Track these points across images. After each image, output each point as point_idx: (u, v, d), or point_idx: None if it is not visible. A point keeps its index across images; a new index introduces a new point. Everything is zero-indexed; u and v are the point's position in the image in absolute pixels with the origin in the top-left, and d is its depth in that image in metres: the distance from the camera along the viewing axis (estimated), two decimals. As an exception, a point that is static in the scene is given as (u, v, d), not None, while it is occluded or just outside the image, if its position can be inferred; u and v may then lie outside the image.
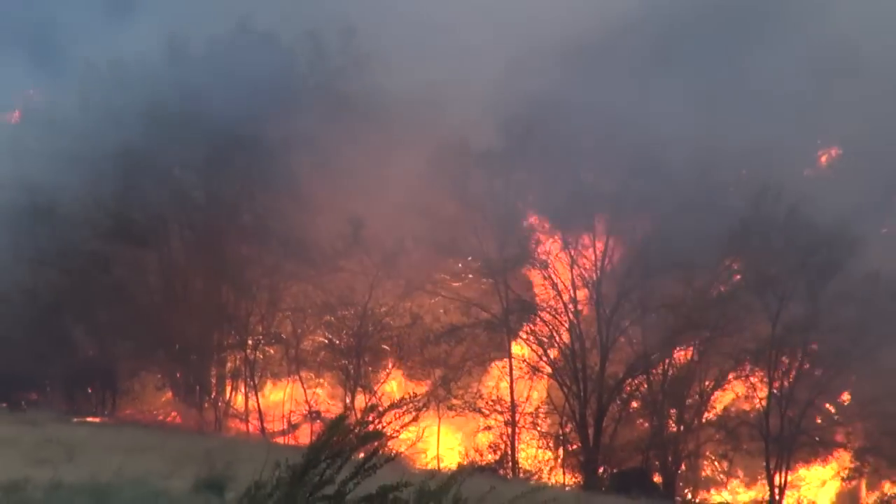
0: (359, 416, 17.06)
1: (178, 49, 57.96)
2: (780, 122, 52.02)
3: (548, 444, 54.42)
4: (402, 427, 17.62)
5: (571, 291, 53.45)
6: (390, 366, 55.34)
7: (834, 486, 53.59)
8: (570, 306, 53.48)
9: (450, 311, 54.91)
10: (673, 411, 53.57)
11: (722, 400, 53.67)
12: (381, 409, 16.97)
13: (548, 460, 54.34)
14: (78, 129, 54.18)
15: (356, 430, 16.81)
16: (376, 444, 16.82)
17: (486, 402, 54.52)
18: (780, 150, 52.42)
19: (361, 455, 16.71)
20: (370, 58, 56.63)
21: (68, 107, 56.29)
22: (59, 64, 58.02)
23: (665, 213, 51.71)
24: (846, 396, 53.04)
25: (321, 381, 56.56)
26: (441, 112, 53.54)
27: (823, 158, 55.10)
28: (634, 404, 54.55)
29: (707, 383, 53.12)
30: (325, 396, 56.40)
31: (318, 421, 54.38)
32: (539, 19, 55.01)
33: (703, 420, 53.42)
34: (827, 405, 52.91)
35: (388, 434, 17.25)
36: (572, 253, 53.12)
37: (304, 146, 53.51)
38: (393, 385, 55.06)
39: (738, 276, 53.90)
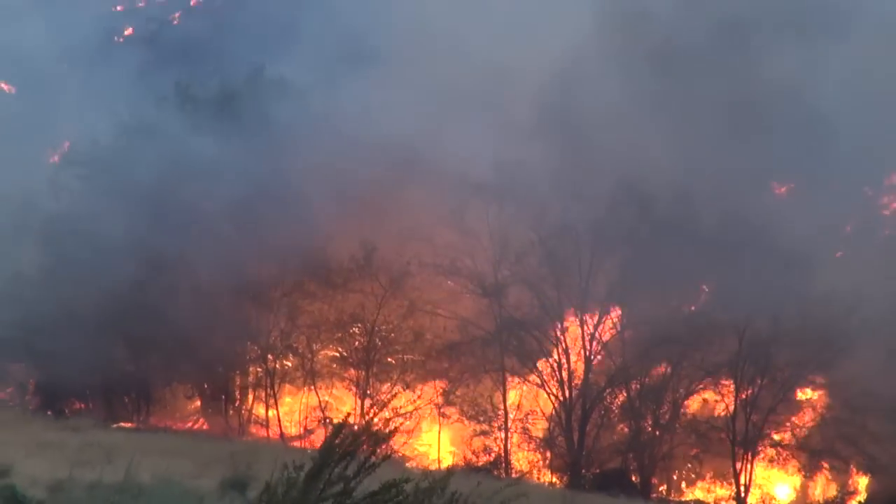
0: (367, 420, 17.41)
1: (201, 93, 58.30)
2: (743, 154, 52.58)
3: (537, 447, 54.70)
4: (405, 427, 17.98)
5: (559, 310, 53.69)
6: (396, 376, 55.35)
7: (793, 483, 53.84)
8: (558, 324, 53.80)
9: (449, 328, 55.09)
10: (649, 417, 53.82)
11: (693, 407, 53.93)
12: (380, 401, 17.40)
13: (537, 461, 54.63)
14: (112, 168, 54.73)
15: (361, 432, 17.27)
16: (378, 443, 17.17)
17: (481, 410, 54.70)
18: (745, 181, 52.81)
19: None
20: (380, 104, 56.75)
21: (104, 147, 56.71)
22: (97, 107, 58.31)
23: (644, 239, 52.27)
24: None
25: (333, 390, 56.66)
26: (442, 149, 53.74)
27: (783, 189, 55.25)
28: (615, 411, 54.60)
29: (680, 392, 53.49)
30: (337, 404, 56.30)
31: (332, 426, 54.68)
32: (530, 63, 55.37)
33: (677, 425, 53.62)
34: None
35: (390, 429, 17.58)
36: (559, 276, 53.22)
37: (319, 181, 53.38)
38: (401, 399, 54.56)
39: (709, 296, 54.50)
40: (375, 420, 17.32)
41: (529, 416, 54.74)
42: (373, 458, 16.93)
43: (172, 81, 58.54)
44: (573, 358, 53.70)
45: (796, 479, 53.70)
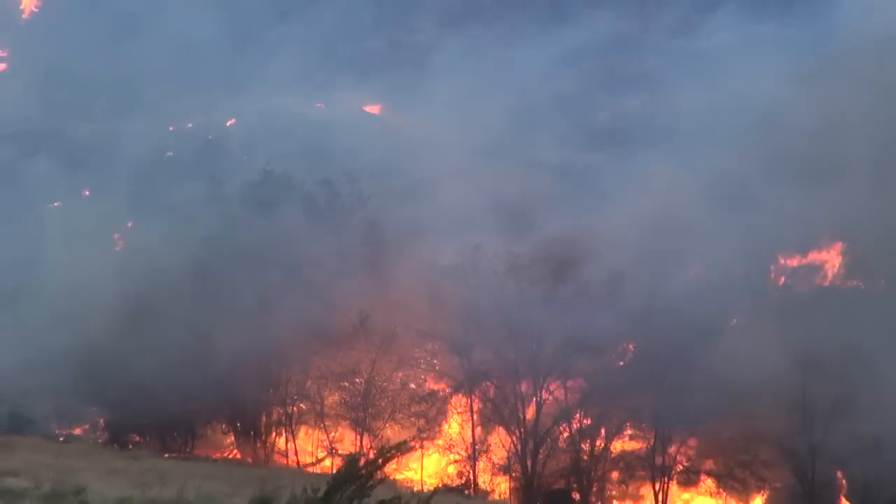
0: (368, 454, 18.96)
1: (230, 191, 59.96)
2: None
3: (498, 471, 55.62)
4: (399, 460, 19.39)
5: (516, 365, 54.43)
6: (387, 417, 56.30)
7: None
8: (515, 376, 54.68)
9: (429, 378, 56.36)
10: (586, 449, 54.70)
11: (621, 440, 54.95)
12: (386, 449, 19.06)
13: (498, 483, 55.51)
14: (163, 255, 55.97)
15: (367, 465, 18.99)
16: (379, 472, 18.84)
17: (455, 443, 55.98)
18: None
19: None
20: (371, 198, 58.79)
21: (152, 238, 58.28)
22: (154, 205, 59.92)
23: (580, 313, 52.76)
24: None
25: (338, 427, 57.39)
26: (422, 235, 55.37)
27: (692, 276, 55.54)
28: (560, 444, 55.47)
29: (611, 429, 54.51)
30: (341, 438, 57.16)
31: (338, 456, 55.39)
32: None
33: (608, 455, 54.50)
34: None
35: (389, 462, 19.22)
36: (516, 339, 53.94)
37: (321, 260, 54.36)
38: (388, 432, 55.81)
39: (633, 355, 55.42)
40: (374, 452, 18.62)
41: (493, 448, 55.69)
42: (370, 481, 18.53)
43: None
44: (526, 401, 54.75)
45: (709, 500, 54.85)
